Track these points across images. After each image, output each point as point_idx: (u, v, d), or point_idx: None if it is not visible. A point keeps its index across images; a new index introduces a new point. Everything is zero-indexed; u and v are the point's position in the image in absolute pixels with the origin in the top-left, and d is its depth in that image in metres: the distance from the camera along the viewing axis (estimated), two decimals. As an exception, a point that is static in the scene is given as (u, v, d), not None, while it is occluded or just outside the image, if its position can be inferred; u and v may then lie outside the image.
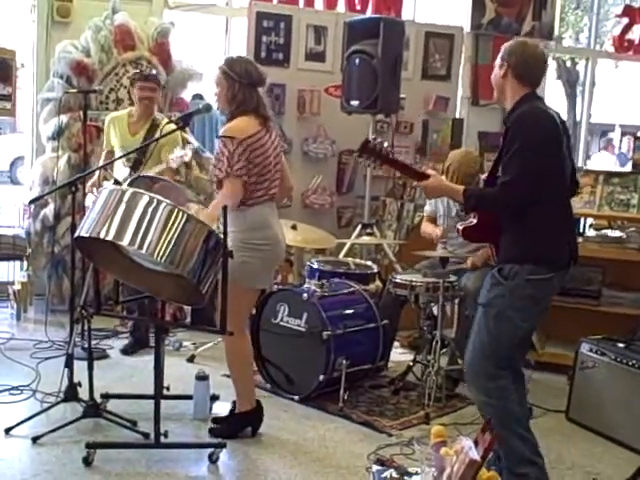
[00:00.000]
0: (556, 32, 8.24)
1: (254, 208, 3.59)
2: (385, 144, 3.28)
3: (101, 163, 4.73)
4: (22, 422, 3.74)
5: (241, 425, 3.81)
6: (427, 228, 4.98)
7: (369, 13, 6.82)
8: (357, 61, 5.62)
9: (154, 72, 5.09)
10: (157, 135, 4.61)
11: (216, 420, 3.88)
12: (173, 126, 3.86)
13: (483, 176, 4.34)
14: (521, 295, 3.07)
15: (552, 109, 3.18)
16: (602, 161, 9.85)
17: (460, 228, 3.30)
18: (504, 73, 3.17)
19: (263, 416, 3.86)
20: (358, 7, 6.86)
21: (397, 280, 4.52)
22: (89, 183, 4.59)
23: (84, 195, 4.43)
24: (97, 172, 4.59)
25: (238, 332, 3.63)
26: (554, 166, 3.06)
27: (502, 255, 3.18)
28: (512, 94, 3.16)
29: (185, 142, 5.69)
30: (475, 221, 3.23)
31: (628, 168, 5.70)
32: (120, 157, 4.56)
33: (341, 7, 6.82)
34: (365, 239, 5.57)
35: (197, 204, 3.72)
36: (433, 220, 5.05)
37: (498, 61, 3.21)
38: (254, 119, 3.57)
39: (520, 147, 3.01)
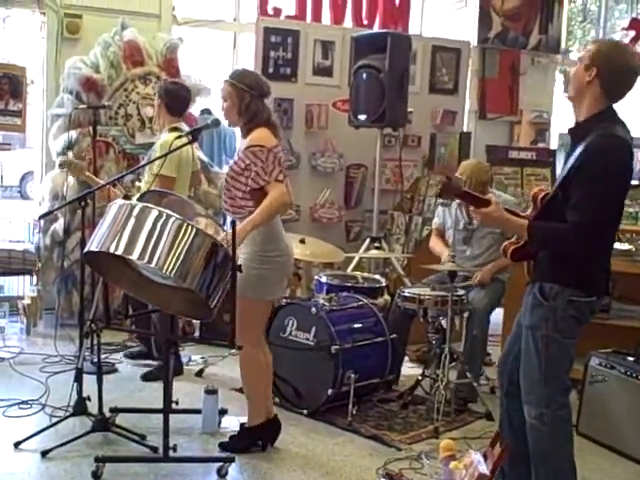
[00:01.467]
0: (563, 45, 8.26)
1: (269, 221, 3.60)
2: (462, 181, 3.12)
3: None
4: (31, 436, 3.75)
5: (251, 439, 3.80)
6: (436, 246, 4.98)
7: (376, 28, 6.85)
8: (364, 75, 5.65)
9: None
10: (158, 143, 4.62)
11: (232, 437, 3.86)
12: (183, 140, 3.87)
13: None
14: (564, 316, 2.92)
15: (625, 128, 2.90)
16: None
17: (509, 251, 3.06)
18: (590, 80, 2.83)
19: (279, 431, 3.85)
20: (365, 22, 6.90)
21: (405, 294, 4.52)
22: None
23: (94, 210, 4.45)
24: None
25: (254, 344, 3.65)
26: (624, 202, 2.90)
27: (542, 272, 2.99)
28: (590, 104, 2.87)
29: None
30: (523, 241, 3.02)
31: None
32: (129, 172, 4.57)
33: (348, 22, 6.86)
34: (373, 253, 5.57)
35: (206, 218, 3.73)
36: (441, 233, 5.06)
37: (586, 61, 2.84)
38: (270, 132, 3.61)
39: (602, 187, 2.75)
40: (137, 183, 4.78)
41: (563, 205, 2.85)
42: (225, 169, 6.56)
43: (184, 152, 4.41)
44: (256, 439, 3.80)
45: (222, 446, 3.78)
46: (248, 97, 3.59)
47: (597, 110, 2.86)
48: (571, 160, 2.86)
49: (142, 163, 4.39)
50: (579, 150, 2.83)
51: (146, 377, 4.77)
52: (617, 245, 5.14)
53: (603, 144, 2.80)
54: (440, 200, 3.16)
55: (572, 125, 2.99)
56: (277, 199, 3.50)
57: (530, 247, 2.97)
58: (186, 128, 4.76)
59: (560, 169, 3.07)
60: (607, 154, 2.79)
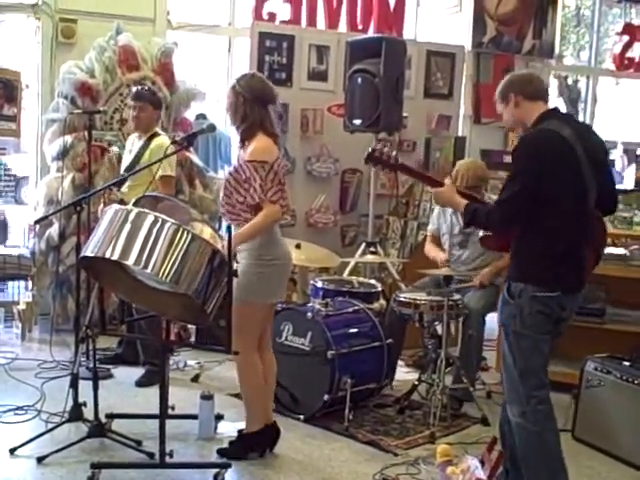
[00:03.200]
0: (557, 50, 8.29)
1: None
2: (394, 152, 3.35)
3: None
4: (27, 442, 3.73)
5: (249, 446, 3.78)
6: (431, 251, 4.98)
7: (371, 32, 6.87)
8: (359, 80, 5.65)
9: (146, 90, 5.02)
10: (148, 151, 4.71)
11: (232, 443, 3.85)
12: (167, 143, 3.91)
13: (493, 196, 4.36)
14: (530, 312, 3.06)
15: (573, 126, 3.12)
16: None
17: (480, 235, 3.39)
18: (515, 103, 3.17)
19: (277, 438, 3.84)
20: (360, 27, 6.92)
21: (401, 299, 4.52)
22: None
23: (89, 215, 4.44)
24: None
25: (250, 350, 3.64)
26: (554, 189, 3.01)
27: (510, 271, 3.21)
28: (529, 118, 3.16)
29: (185, 163, 5.78)
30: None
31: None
32: (122, 178, 4.58)
33: (343, 27, 6.88)
34: (369, 258, 5.57)
35: (201, 223, 3.72)
36: (436, 239, 5.06)
37: (501, 103, 3.22)
38: (270, 140, 3.60)
39: (517, 171, 3.07)
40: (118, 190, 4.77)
41: None
42: (220, 174, 6.61)
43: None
44: (254, 446, 3.78)
45: (220, 453, 3.77)
46: (240, 99, 3.60)
47: (535, 117, 3.15)
48: None
49: (139, 167, 4.40)
50: None
51: (140, 383, 4.76)
52: (611, 250, 5.16)
53: (526, 137, 3.12)
54: (367, 165, 3.52)
55: None
56: (265, 220, 3.51)
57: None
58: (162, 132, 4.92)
59: None
60: (525, 143, 3.09)
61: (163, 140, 4.72)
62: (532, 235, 3.08)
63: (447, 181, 3.35)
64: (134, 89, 5.06)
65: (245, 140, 3.63)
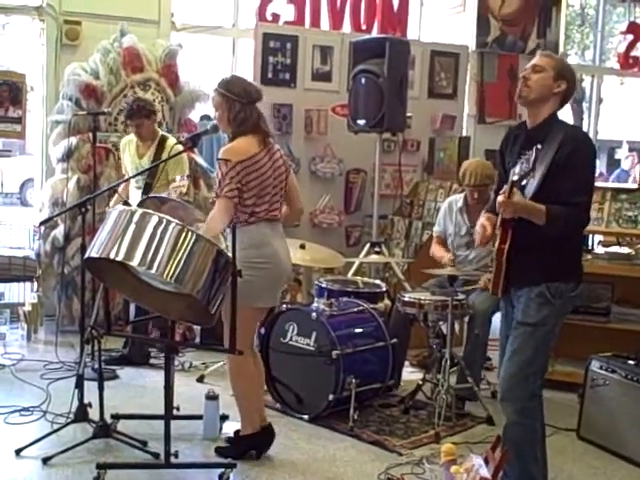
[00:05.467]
0: (561, 49, 8.28)
1: (252, 227, 3.56)
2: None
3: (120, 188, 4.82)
4: (33, 443, 3.74)
5: (245, 448, 3.77)
6: (437, 252, 4.97)
7: (374, 33, 6.87)
8: (363, 80, 5.66)
9: (135, 105, 4.95)
10: (164, 155, 4.74)
11: (229, 441, 3.86)
12: (181, 147, 3.92)
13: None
14: (564, 312, 3.20)
15: None
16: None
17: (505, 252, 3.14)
18: (558, 91, 3.11)
19: (272, 439, 3.82)
20: (364, 27, 6.92)
21: (405, 299, 4.52)
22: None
23: (94, 216, 4.46)
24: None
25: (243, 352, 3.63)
26: None
27: (545, 273, 3.11)
28: (548, 109, 3.12)
29: (190, 164, 5.80)
30: (506, 246, 3.11)
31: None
32: (129, 178, 4.61)
33: (347, 27, 6.88)
34: (373, 258, 5.57)
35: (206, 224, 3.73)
36: (443, 241, 5.05)
37: (551, 73, 3.09)
38: (254, 139, 3.56)
39: (591, 170, 3.18)
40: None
41: (550, 193, 3.00)
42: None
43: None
44: (250, 448, 3.77)
45: (218, 451, 3.77)
46: (238, 105, 3.57)
47: (552, 112, 3.16)
48: (548, 152, 3.01)
49: (145, 168, 4.43)
50: (555, 142, 3.02)
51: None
52: (617, 249, 5.16)
53: (584, 135, 3.24)
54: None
55: (527, 125, 3.22)
56: (213, 218, 3.45)
57: (548, 230, 3.03)
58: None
59: (507, 165, 3.22)
60: (590, 143, 3.16)
61: (173, 143, 4.76)
62: (574, 235, 3.19)
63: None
64: (125, 108, 5.11)
65: (233, 140, 3.60)
